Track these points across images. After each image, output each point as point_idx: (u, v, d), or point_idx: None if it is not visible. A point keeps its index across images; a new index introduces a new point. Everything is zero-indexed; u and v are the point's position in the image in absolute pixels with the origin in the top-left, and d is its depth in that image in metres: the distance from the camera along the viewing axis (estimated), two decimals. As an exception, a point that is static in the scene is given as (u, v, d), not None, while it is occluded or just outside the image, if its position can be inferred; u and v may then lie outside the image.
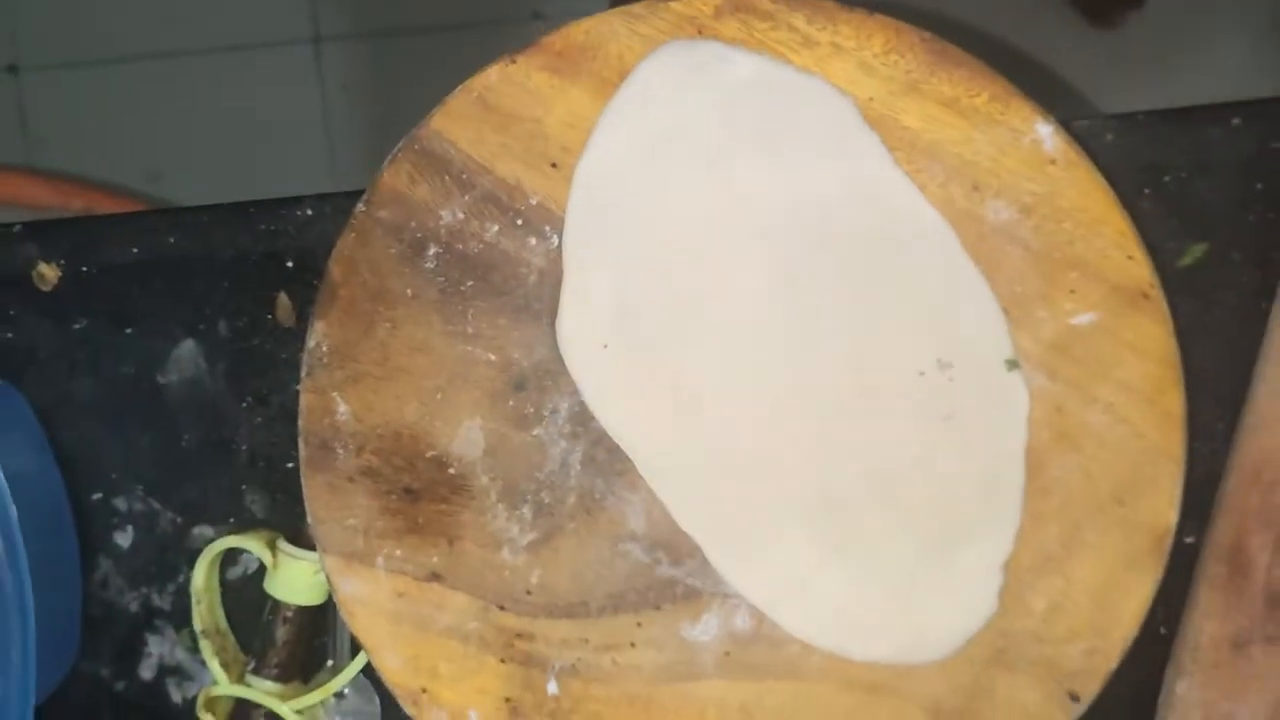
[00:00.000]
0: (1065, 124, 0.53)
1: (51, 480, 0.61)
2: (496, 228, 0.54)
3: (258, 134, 1.52)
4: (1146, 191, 0.57)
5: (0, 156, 1.52)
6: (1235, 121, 0.57)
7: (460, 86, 0.54)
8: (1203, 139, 0.57)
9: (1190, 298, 0.57)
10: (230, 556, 0.62)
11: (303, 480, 0.55)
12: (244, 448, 0.61)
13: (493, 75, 0.54)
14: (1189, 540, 0.57)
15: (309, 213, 0.60)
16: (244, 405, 0.61)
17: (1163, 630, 0.58)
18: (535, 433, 0.55)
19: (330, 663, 0.61)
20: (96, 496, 0.62)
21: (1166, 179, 0.57)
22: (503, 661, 0.55)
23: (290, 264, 0.60)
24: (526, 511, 0.55)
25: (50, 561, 0.60)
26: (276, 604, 0.59)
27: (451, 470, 0.55)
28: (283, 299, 0.60)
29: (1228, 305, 0.57)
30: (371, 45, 1.53)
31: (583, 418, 0.55)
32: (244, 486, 0.61)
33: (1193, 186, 0.57)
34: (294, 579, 0.58)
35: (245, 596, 0.61)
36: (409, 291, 0.55)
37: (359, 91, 1.51)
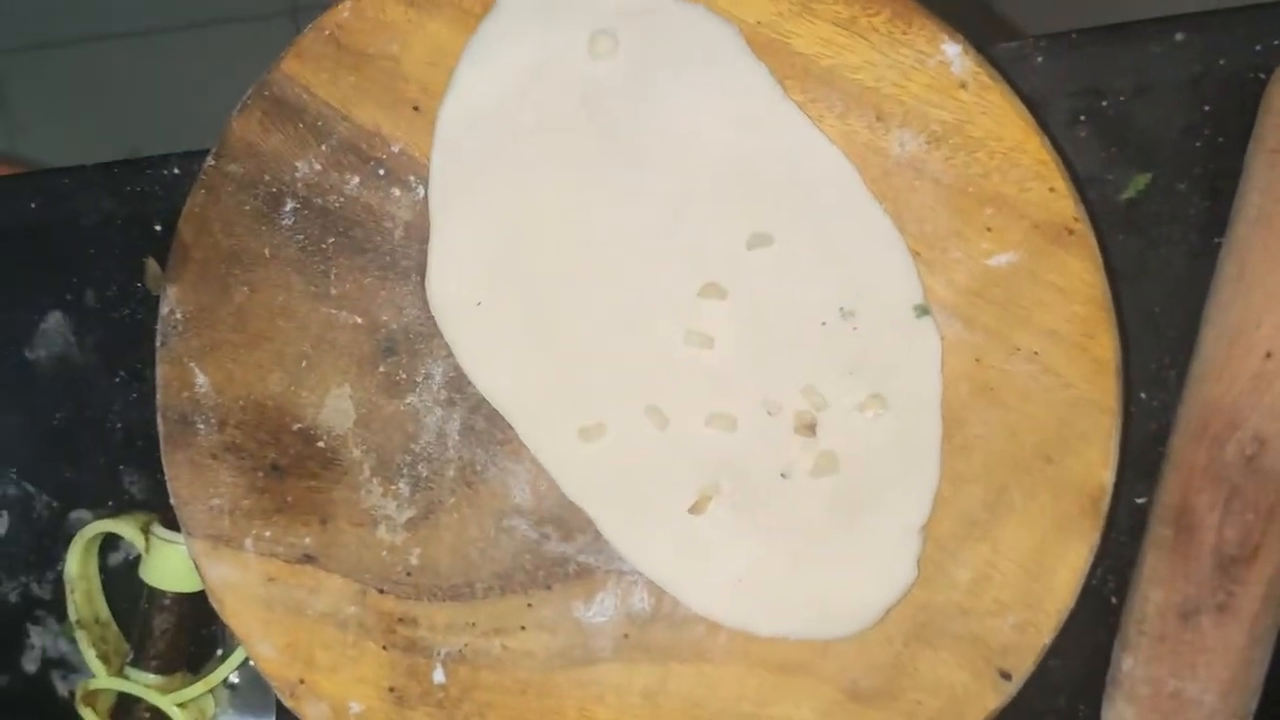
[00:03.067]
0: (981, 46, 0.48)
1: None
2: (357, 179, 0.50)
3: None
4: (1083, 119, 0.52)
5: (-18, 140, 1.51)
6: (1179, 37, 0.51)
7: (310, 25, 0.49)
8: (1143, 58, 0.51)
9: (1134, 234, 0.52)
10: (111, 541, 0.58)
11: (163, 459, 0.51)
12: (119, 425, 0.57)
13: (345, 10, 0.49)
14: (1140, 501, 0.52)
15: (176, 172, 0.56)
16: (117, 380, 0.57)
17: (1114, 600, 0.53)
18: (409, 400, 0.51)
19: (219, 651, 0.57)
20: (-32, 482, 0.58)
21: (1104, 104, 0.52)
22: (384, 648, 0.51)
23: (159, 227, 0.56)
24: (403, 486, 0.51)
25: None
26: (153, 591, 0.55)
27: (320, 444, 0.51)
28: (152, 265, 0.56)
29: (1175, 241, 0.52)
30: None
31: (458, 383, 0.50)
32: (121, 467, 0.57)
33: (1133, 111, 0.52)
34: (169, 564, 0.54)
35: (131, 583, 0.57)
36: (266, 251, 0.50)
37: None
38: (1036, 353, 0.47)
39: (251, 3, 1.51)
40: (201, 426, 0.51)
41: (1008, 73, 0.50)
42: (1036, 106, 0.50)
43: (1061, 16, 0.54)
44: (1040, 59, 0.52)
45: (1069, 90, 0.52)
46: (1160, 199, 0.52)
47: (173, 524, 0.55)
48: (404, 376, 0.51)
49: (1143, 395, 0.52)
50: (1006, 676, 0.48)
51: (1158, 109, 0.52)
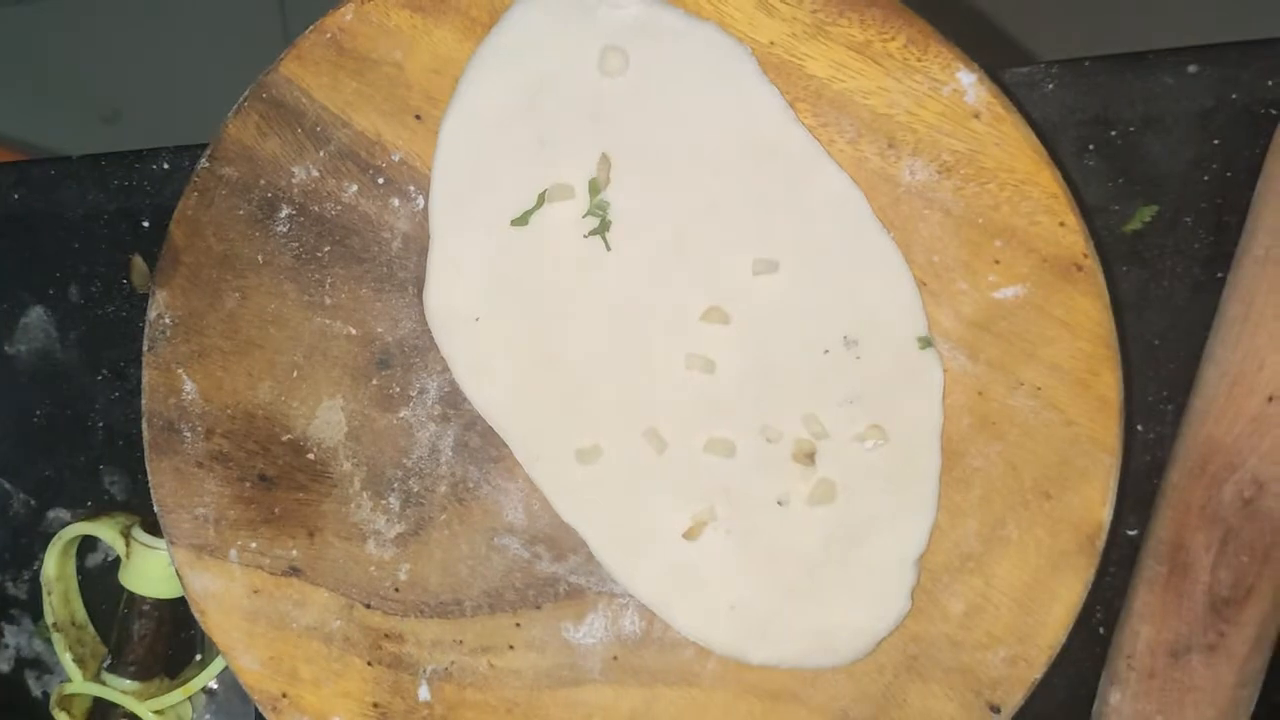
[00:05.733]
0: (994, 73, 0.47)
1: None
2: (355, 187, 0.49)
3: (220, 74, 1.46)
4: (1091, 148, 0.51)
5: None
6: (1192, 69, 0.51)
7: (312, 27, 0.48)
8: (1155, 89, 0.51)
9: (1137, 265, 0.52)
10: (90, 541, 0.57)
11: (147, 466, 0.50)
12: (100, 424, 0.56)
13: (347, 13, 0.48)
14: (1132, 533, 0.52)
15: (166, 167, 0.54)
16: (99, 378, 0.56)
17: (1101, 630, 0.53)
18: (402, 415, 0.50)
19: (199, 657, 0.56)
20: (-57, 476, 0.57)
21: (1113, 134, 0.51)
22: (369, 664, 0.50)
23: (146, 223, 0.55)
24: (393, 501, 0.50)
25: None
26: (132, 596, 0.54)
27: (310, 455, 0.50)
28: (138, 262, 0.55)
29: (1178, 274, 0.52)
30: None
31: (453, 398, 0.50)
32: (102, 466, 0.56)
33: (1142, 142, 0.51)
34: (149, 570, 0.53)
35: (109, 584, 0.57)
36: (260, 258, 0.49)
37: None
38: (1040, 388, 0.47)
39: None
40: (188, 434, 0.50)
41: (1018, 98, 0.50)
42: (1046, 134, 0.50)
43: (1074, 43, 0.53)
44: (1051, 86, 0.51)
45: (1079, 119, 0.51)
46: (1165, 231, 0.51)
47: (154, 528, 0.54)
48: (398, 390, 0.50)
49: (1139, 427, 0.52)
50: (995, 710, 0.48)
51: (1166, 140, 0.51)
